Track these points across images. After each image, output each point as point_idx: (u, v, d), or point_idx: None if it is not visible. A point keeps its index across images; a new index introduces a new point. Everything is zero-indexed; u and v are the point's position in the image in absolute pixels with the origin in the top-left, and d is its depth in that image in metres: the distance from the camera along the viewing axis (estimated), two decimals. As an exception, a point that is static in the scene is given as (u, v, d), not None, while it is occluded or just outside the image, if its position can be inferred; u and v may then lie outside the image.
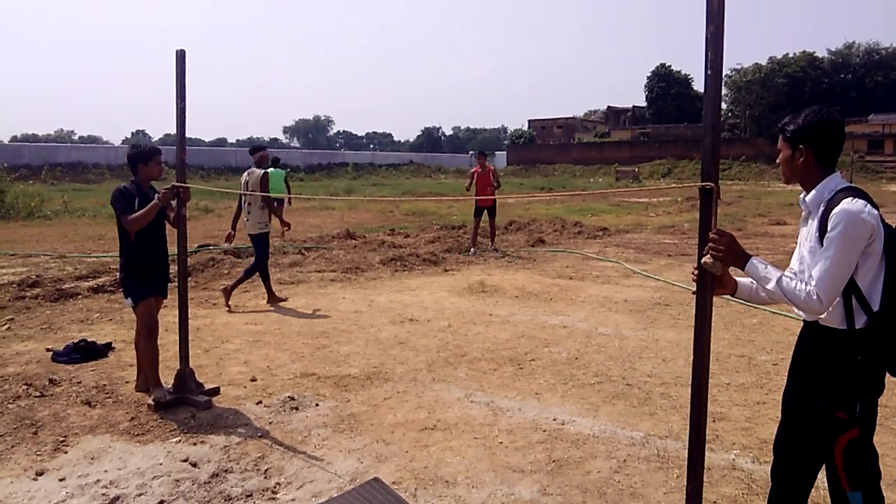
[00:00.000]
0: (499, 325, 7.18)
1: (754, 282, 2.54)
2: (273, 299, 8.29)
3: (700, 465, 2.50)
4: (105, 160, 46.45)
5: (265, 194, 8.32)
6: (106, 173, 42.97)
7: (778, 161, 2.59)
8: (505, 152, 72.50)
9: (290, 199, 16.29)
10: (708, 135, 2.42)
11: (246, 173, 8.69)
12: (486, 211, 13.03)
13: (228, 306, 7.95)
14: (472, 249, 12.68)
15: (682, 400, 4.88)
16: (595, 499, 3.51)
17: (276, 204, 15.29)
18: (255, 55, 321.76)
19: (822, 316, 2.43)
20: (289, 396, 4.99)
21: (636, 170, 52.26)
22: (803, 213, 2.57)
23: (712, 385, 4.76)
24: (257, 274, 8.35)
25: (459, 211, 21.93)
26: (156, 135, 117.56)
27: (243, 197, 8.41)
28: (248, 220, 8.30)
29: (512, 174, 57.73)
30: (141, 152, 5.02)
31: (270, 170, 17.61)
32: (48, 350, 6.06)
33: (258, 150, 8.80)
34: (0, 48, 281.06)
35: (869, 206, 2.33)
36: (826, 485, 2.55)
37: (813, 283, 2.32)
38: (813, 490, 2.72)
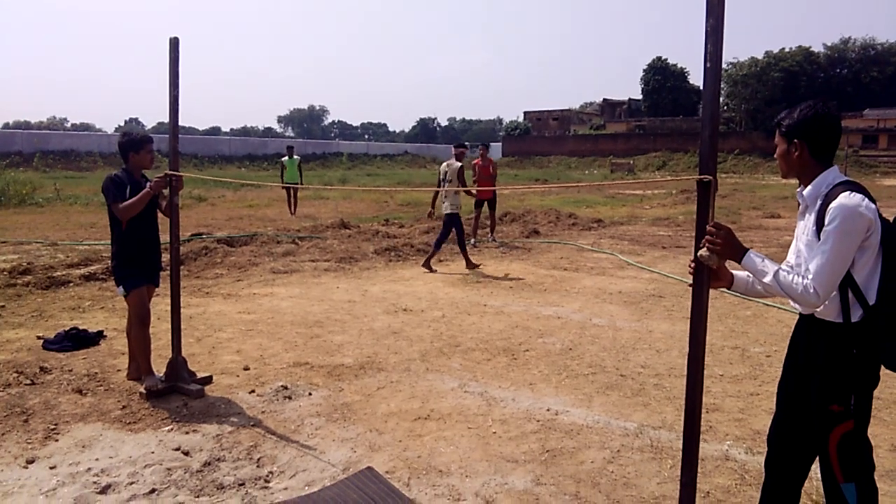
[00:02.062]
0: (493, 316, 7.17)
1: (751, 275, 2.53)
2: (470, 265, 9.85)
3: (695, 456, 2.50)
4: (98, 148, 46.18)
5: (443, 188, 10.02)
6: (98, 161, 42.72)
7: (775, 155, 2.58)
8: (500, 144, 72.37)
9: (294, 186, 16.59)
10: (706, 127, 2.40)
11: (445, 164, 10.48)
12: (486, 203, 12.98)
13: (433, 271, 9.75)
14: (472, 240, 12.65)
15: (675, 391, 4.89)
16: (588, 489, 3.51)
17: (290, 190, 16.09)
18: (250, 44, 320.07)
19: (818, 309, 2.43)
20: (282, 385, 4.97)
21: (631, 162, 52.28)
22: (800, 207, 2.56)
23: (706, 376, 4.75)
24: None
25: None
26: (149, 123, 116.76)
27: (442, 183, 10.28)
28: (444, 201, 9.97)
29: (507, 166, 57.64)
30: (132, 140, 4.96)
31: (285, 158, 18.65)
32: (39, 338, 6.02)
33: (461, 146, 10.76)
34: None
35: (866, 200, 2.32)
36: (819, 476, 2.55)
37: (810, 276, 2.32)
38: (806, 482, 2.72)
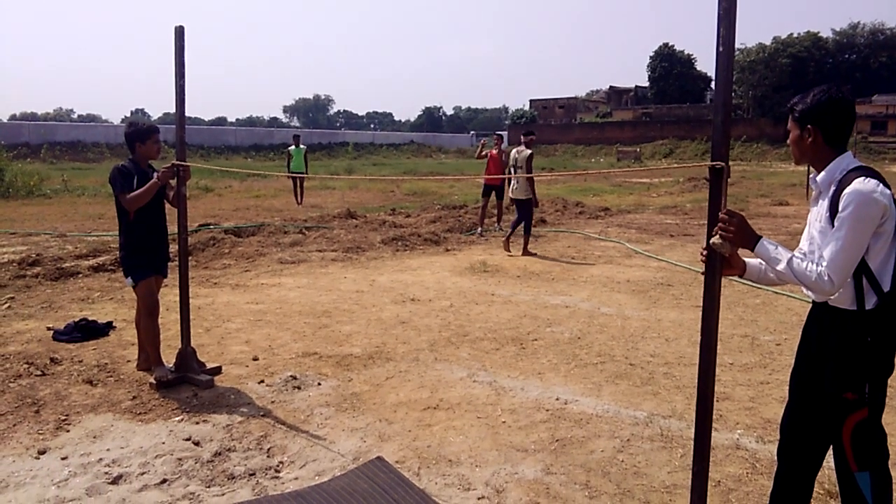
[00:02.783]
0: (501, 305, 7.16)
1: (763, 263, 2.51)
2: (526, 252, 10.29)
3: (706, 445, 2.48)
4: (104, 139, 46.27)
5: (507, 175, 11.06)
6: (105, 152, 42.82)
7: (788, 141, 2.55)
8: (506, 133, 72.17)
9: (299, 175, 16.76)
10: (719, 113, 2.37)
11: (515, 150, 10.83)
12: (494, 192, 12.94)
13: (510, 251, 10.36)
14: (478, 229, 12.65)
15: (685, 380, 4.87)
16: (599, 478, 3.50)
17: (297, 179, 16.27)
18: (256, 34, 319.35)
19: (832, 297, 2.40)
20: (291, 376, 4.98)
21: (638, 150, 52.07)
22: (814, 193, 2.53)
23: (716, 365, 4.75)
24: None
25: (461, 191, 21.87)
26: (155, 113, 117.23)
27: (513, 170, 10.79)
28: (516, 187, 10.40)
29: (513, 154, 57.48)
30: (138, 131, 4.94)
31: (291, 148, 18.87)
32: (49, 329, 6.04)
33: (530, 133, 11.07)
34: (0, 28, 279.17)
35: (881, 185, 2.29)
36: (833, 465, 2.53)
37: (824, 263, 2.29)
38: (820, 471, 2.71)
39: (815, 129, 2.40)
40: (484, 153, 13.16)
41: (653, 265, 9.48)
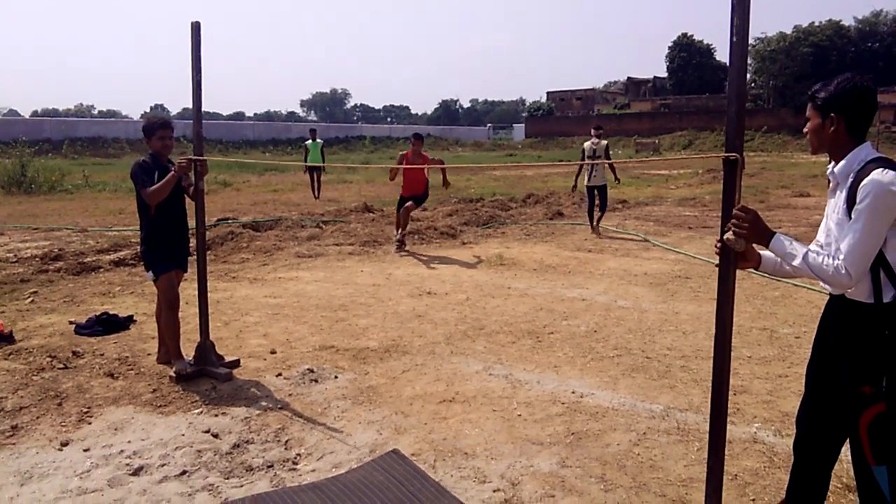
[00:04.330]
0: (517, 298, 7.16)
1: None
2: (596, 231, 11.65)
3: (722, 438, 2.48)
4: (125, 134, 46.73)
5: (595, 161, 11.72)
6: (126, 147, 43.27)
7: (806, 130, 2.50)
8: (523, 125, 71.86)
9: (324, 166, 17.07)
10: (733, 104, 2.35)
11: (590, 143, 11.88)
12: (414, 199, 10.70)
13: (599, 233, 11.57)
14: (399, 240, 10.37)
15: (702, 373, 4.85)
16: (614, 471, 3.50)
17: (314, 173, 16.31)
18: (273, 29, 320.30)
19: (849, 290, 2.38)
20: (308, 369, 5.02)
21: (656, 141, 51.57)
22: (831, 185, 2.49)
23: (733, 358, 4.70)
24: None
25: (477, 184, 21.83)
26: (174, 108, 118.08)
27: (589, 159, 11.82)
28: (594, 174, 11.79)
29: (530, 147, 57.31)
30: (145, 127, 5.05)
31: (308, 142, 19.94)
32: (71, 322, 6.14)
33: (599, 127, 12.16)
34: (22, 25, 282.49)
35: None
36: (850, 459, 2.51)
37: (841, 256, 2.26)
38: (836, 464, 2.69)
39: (839, 117, 2.36)
40: (396, 171, 11.36)
41: (670, 258, 9.42)
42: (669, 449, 3.75)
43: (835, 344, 2.49)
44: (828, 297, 2.58)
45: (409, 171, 10.50)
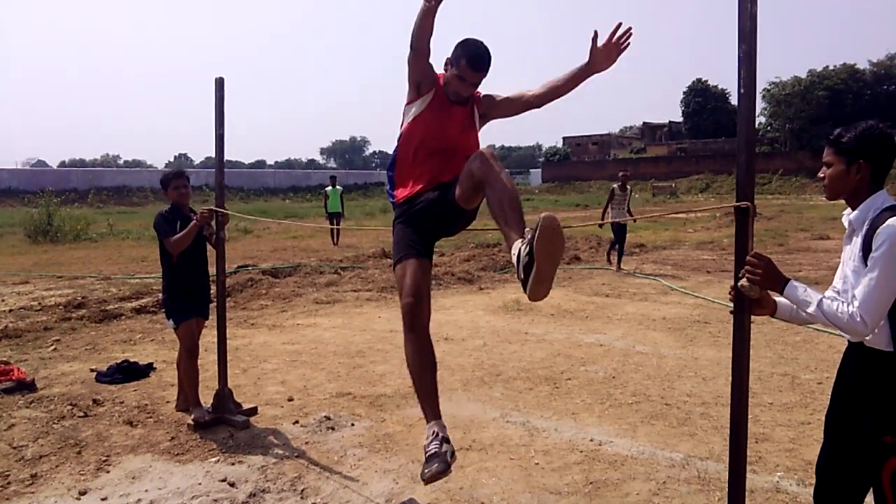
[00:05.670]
0: (534, 344, 7.13)
1: None
2: (618, 268, 12.56)
3: (741, 489, 2.44)
4: (149, 183, 47.55)
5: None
6: (150, 196, 44.04)
7: (823, 174, 2.48)
8: (540, 170, 72.30)
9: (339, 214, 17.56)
10: (742, 152, 2.39)
11: (616, 185, 12.93)
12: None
13: (621, 269, 12.47)
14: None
15: (723, 420, 4.77)
16: (634, 522, 3.44)
17: (334, 220, 18.25)
18: (294, 79, 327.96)
19: (867, 337, 2.36)
20: (325, 416, 5.02)
21: (673, 185, 51.62)
22: (847, 231, 2.50)
23: (754, 405, 4.65)
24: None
25: (494, 229, 21.87)
26: (197, 157, 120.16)
27: (614, 200, 12.90)
28: (616, 213, 12.78)
29: (547, 191, 57.54)
30: (161, 180, 5.24)
31: (328, 188, 19.76)
32: (92, 370, 6.20)
33: (625, 171, 13.59)
34: (49, 76, 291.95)
35: None
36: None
37: (856, 304, 2.26)
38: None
39: (868, 164, 2.36)
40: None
41: (689, 302, 9.36)
42: (690, 499, 3.68)
43: (854, 392, 2.46)
44: (846, 344, 2.56)
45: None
